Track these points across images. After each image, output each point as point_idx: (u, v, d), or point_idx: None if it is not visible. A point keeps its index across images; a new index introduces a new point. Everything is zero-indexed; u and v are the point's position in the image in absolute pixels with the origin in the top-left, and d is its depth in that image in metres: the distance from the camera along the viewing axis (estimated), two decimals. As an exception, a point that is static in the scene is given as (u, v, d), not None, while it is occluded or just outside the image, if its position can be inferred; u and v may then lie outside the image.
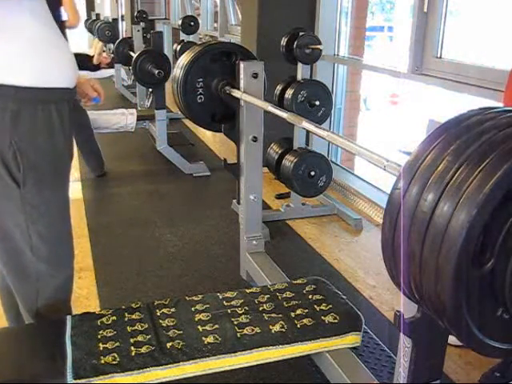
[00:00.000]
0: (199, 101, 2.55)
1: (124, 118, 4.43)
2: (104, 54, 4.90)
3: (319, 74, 3.86)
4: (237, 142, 2.44)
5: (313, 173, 2.98)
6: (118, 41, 6.14)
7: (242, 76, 2.27)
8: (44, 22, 1.44)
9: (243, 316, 1.62)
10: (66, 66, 1.50)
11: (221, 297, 1.74)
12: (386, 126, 7.86)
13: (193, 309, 1.66)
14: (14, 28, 1.36)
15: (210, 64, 2.54)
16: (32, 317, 1.63)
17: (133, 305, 1.67)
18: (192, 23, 5.76)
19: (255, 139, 2.36)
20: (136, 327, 1.55)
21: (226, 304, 1.69)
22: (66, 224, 1.63)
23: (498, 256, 0.86)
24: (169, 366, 1.44)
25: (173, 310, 1.65)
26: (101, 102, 1.81)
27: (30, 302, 1.61)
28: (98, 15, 8.28)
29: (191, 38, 5.81)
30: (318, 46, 3.03)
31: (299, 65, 3.11)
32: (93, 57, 4.62)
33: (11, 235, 1.51)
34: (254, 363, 1.54)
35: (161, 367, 1.43)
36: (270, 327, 1.57)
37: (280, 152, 3.16)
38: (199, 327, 1.57)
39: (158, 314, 1.63)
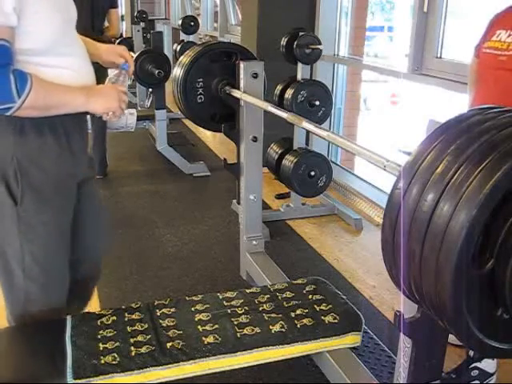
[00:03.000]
0: (199, 101, 2.55)
1: (124, 118, 4.43)
2: None
3: (319, 74, 3.86)
4: (237, 142, 2.44)
5: (313, 173, 2.99)
6: (117, 41, 6.13)
7: (242, 76, 2.27)
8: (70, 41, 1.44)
9: (243, 316, 1.62)
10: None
11: (221, 297, 1.74)
12: (385, 126, 7.86)
13: (193, 309, 1.66)
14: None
15: (210, 64, 2.54)
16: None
17: (133, 305, 1.67)
18: (192, 23, 5.76)
19: (255, 139, 2.36)
20: (136, 327, 1.55)
21: (226, 304, 1.69)
22: (62, 250, 1.53)
23: (497, 256, 0.86)
24: (169, 365, 1.44)
25: (173, 310, 1.65)
26: (131, 69, 1.67)
27: (16, 315, 1.56)
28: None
29: (191, 38, 5.81)
30: (318, 46, 3.03)
31: (299, 65, 3.11)
32: None
33: (3, 252, 1.46)
34: (254, 363, 1.54)
35: (161, 367, 1.43)
36: (270, 327, 1.57)
37: (280, 152, 3.16)
38: (199, 327, 1.57)
39: (158, 313, 1.63)
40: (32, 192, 1.41)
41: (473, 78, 1.98)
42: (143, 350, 1.46)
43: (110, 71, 1.67)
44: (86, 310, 1.73)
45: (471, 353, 1.76)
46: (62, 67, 1.39)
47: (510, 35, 1.76)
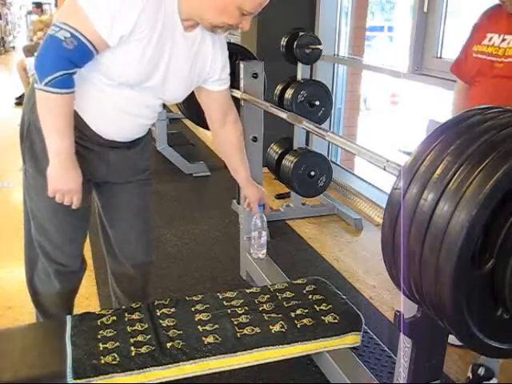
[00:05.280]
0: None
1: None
2: None
3: (319, 74, 3.86)
4: (237, 142, 2.44)
5: (313, 173, 2.99)
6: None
7: (242, 76, 2.27)
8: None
9: (243, 316, 1.62)
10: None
11: (221, 297, 1.74)
12: (386, 126, 7.86)
13: (193, 309, 1.66)
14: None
15: (210, 64, 2.53)
16: (27, 284, 1.69)
17: (133, 305, 1.67)
18: (192, 23, 5.75)
19: (255, 139, 2.36)
20: (136, 327, 1.55)
21: (226, 304, 1.69)
22: (58, 224, 1.59)
23: (497, 256, 0.86)
24: (169, 365, 1.44)
25: (173, 310, 1.65)
26: (267, 207, 2.01)
27: (28, 268, 1.68)
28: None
29: (191, 38, 5.80)
30: (318, 46, 3.04)
31: (299, 65, 3.11)
32: None
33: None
34: (254, 363, 1.53)
35: (161, 367, 1.43)
36: (270, 327, 1.57)
37: (280, 152, 3.16)
38: (199, 327, 1.56)
39: (158, 313, 1.63)
40: (31, 156, 1.51)
41: (461, 83, 1.90)
42: (143, 350, 1.46)
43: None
44: (86, 310, 1.73)
45: (481, 371, 1.73)
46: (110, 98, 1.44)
47: (504, 40, 1.69)
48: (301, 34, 3.02)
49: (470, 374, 1.81)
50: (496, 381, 1.81)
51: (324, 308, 1.68)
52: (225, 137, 1.77)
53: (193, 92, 1.67)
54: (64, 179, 1.41)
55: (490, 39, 1.71)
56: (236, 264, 2.60)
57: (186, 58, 1.47)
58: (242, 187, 1.95)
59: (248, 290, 1.80)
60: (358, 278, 2.65)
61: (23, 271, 1.69)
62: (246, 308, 1.66)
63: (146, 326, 1.56)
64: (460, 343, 1.49)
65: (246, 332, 1.55)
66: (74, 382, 1.36)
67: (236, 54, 2.58)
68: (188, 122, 5.42)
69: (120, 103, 1.46)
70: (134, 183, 1.68)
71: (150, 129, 1.70)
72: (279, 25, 3.50)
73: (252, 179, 1.92)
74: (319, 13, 3.89)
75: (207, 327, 1.56)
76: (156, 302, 1.69)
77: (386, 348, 2.04)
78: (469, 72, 1.81)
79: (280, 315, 1.63)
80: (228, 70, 1.63)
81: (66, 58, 1.27)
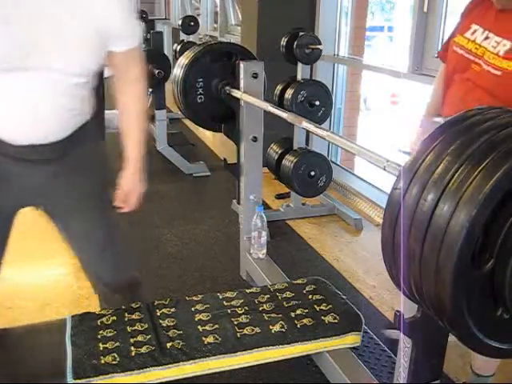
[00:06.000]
0: (199, 101, 2.55)
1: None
2: None
3: (319, 74, 3.86)
4: (237, 142, 2.44)
5: (313, 173, 2.99)
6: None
7: (241, 76, 2.27)
8: None
9: (243, 316, 1.62)
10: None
11: (221, 297, 1.74)
12: (386, 126, 7.86)
13: (193, 309, 1.66)
14: None
15: (210, 64, 2.54)
16: None
17: (133, 305, 1.66)
18: (192, 23, 5.75)
19: (255, 139, 2.36)
20: (136, 327, 1.55)
21: (225, 304, 1.69)
22: None
23: (497, 256, 0.86)
24: (169, 365, 1.44)
25: (173, 310, 1.65)
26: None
27: None
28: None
29: (191, 38, 5.80)
30: (318, 46, 3.04)
31: (299, 65, 3.11)
32: None
33: None
34: (254, 363, 1.53)
35: (161, 367, 1.43)
36: (270, 327, 1.57)
37: (280, 152, 3.16)
38: (199, 327, 1.56)
39: (158, 313, 1.63)
40: None
41: (439, 79, 1.76)
42: (143, 350, 1.46)
43: None
44: (86, 310, 1.72)
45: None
46: None
47: (487, 38, 1.45)
48: (301, 34, 3.02)
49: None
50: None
51: (324, 308, 1.68)
52: (126, 95, 1.50)
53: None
54: None
55: (474, 32, 1.49)
56: (236, 264, 2.60)
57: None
58: (125, 161, 1.53)
59: (248, 290, 1.80)
60: (358, 278, 2.65)
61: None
62: (246, 308, 1.66)
63: (146, 326, 1.56)
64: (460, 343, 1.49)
65: (246, 332, 1.55)
66: (73, 381, 1.36)
67: (236, 54, 2.58)
68: (188, 122, 5.41)
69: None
70: (86, 209, 1.51)
71: (100, 144, 1.52)
72: (279, 25, 3.50)
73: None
74: (319, 13, 3.89)
75: (207, 327, 1.56)
76: (156, 302, 1.69)
77: (386, 348, 2.04)
78: (447, 70, 1.65)
79: (280, 315, 1.63)
80: (133, 23, 1.37)
81: None
